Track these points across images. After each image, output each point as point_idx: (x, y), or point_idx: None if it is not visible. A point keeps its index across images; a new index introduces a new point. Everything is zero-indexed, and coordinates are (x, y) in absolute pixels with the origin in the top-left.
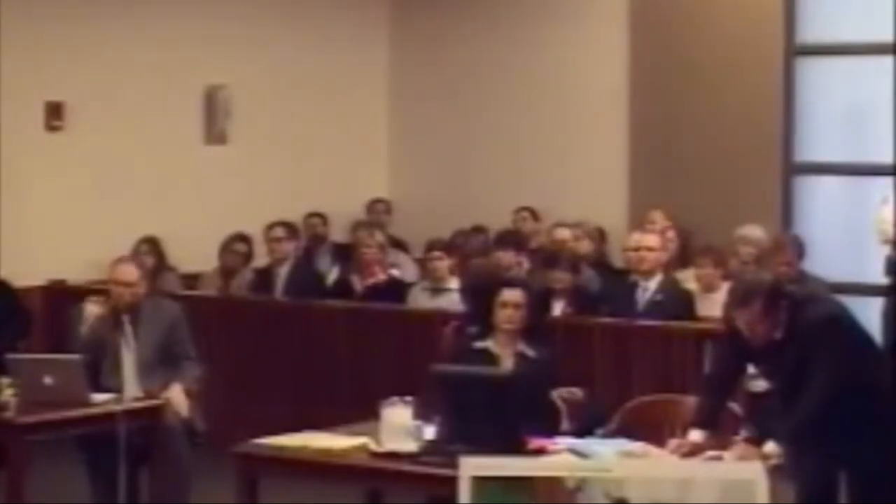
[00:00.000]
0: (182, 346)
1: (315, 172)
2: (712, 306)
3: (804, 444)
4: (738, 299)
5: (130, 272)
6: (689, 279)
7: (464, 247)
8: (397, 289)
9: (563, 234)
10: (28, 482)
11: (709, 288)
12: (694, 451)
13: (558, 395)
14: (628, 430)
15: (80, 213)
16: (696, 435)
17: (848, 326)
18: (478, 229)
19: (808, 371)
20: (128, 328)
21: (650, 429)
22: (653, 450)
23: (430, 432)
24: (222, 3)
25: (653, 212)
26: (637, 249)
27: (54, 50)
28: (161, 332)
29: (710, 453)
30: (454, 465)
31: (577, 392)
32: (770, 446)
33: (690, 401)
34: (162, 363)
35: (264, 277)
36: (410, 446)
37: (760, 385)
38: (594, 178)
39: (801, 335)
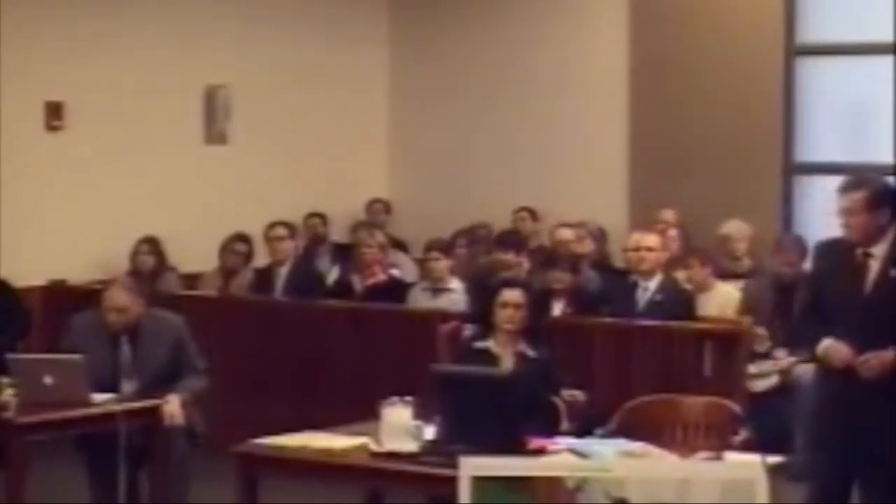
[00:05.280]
0: (188, 360)
1: (315, 172)
2: (706, 305)
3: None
4: (848, 183)
5: (121, 298)
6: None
7: (470, 240)
8: (397, 289)
9: (565, 234)
10: (28, 482)
11: (701, 287)
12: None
13: (560, 397)
14: (628, 430)
15: (80, 213)
16: (839, 346)
17: None
18: (481, 226)
19: None
20: (126, 349)
21: (650, 429)
22: (653, 450)
23: (430, 432)
24: (222, 3)
25: (664, 211)
26: (637, 249)
27: (54, 50)
28: (165, 354)
29: (710, 454)
30: (454, 465)
31: (578, 395)
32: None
33: (690, 401)
34: (170, 381)
35: (264, 277)
36: (410, 446)
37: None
38: (594, 178)
39: None
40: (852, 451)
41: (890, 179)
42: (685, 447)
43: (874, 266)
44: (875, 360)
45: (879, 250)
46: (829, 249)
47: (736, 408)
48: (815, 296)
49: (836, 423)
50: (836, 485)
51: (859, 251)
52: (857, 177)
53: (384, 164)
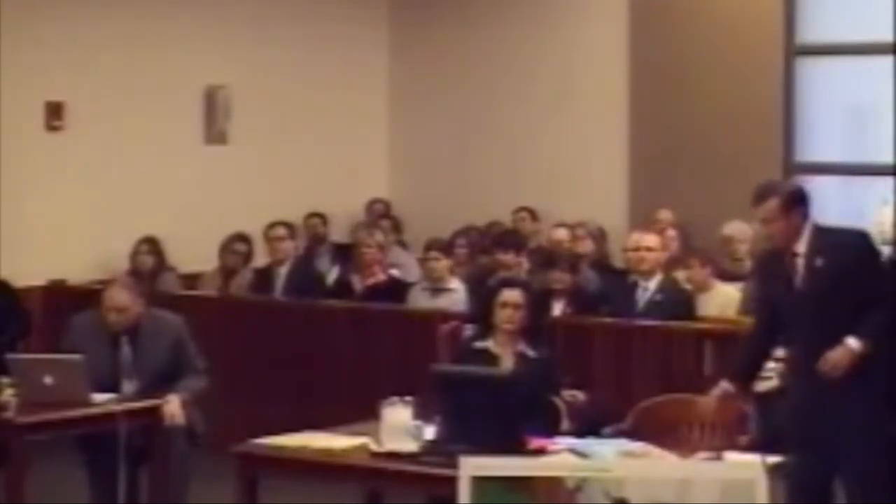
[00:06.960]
0: (188, 360)
1: (315, 172)
2: (706, 305)
3: (797, 442)
4: (758, 194)
5: (121, 297)
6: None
7: (481, 238)
8: (397, 289)
9: (560, 234)
10: (28, 482)
11: (701, 288)
12: (724, 397)
13: (560, 397)
14: (641, 430)
15: (80, 213)
16: (724, 384)
17: None
18: (494, 224)
19: (844, 286)
20: (126, 349)
21: (663, 429)
22: (652, 449)
23: (430, 432)
24: (222, 3)
25: (663, 211)
26: (637, 249)
27: (54, 50)
28: (165, 354)
29: (710, 454)
30: (454, 465)
31: (579, 395)
32: (853, 342)
33: (702, 401)
34: (170, 381)
35: (264, 277)
36: (410, 446)
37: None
38: (594, 178)
39: (836, 250)
40: (829, 452)
41: (800, 180)
42: (699, 446)
43: (800, 262)
44: (835, 356)
45: (802, 247)
46: (763, 260)
47: (746, 407)
48: (760, 307)
49: (810, 426)
50: (815, 487)
51: (787, 254)
52: (766, 185)
53: (384, 164)
